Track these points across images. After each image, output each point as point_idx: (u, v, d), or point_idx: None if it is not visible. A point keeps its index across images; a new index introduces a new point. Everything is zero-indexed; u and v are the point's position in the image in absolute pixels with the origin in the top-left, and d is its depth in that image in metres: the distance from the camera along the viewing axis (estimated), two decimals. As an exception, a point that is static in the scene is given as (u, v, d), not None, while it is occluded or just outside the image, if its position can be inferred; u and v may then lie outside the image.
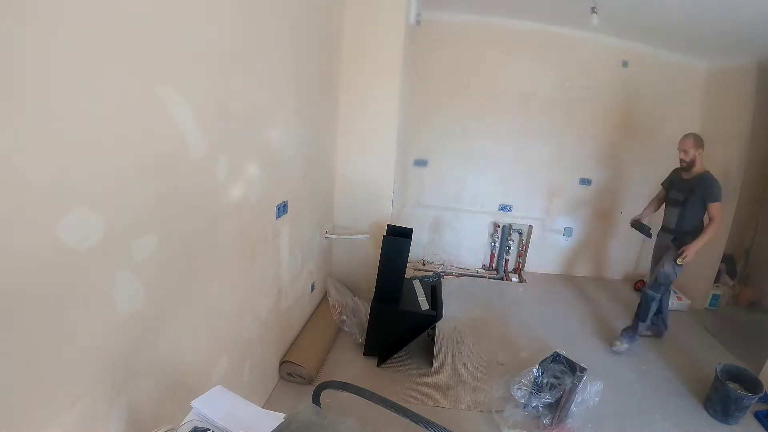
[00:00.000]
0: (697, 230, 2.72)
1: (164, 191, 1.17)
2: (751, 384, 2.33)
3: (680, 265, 2.72)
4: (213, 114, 1.37)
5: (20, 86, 0.74)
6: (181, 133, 1.22)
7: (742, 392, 2.26)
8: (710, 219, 2.68)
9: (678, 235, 2.80)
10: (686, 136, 2.79)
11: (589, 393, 2.13)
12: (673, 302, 3.62)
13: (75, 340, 0.92)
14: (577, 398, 2.12)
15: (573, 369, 2.23)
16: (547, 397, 2.14)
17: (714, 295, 3.64)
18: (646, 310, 2.88)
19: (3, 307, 0.75)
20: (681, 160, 2.81)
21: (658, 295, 2.86)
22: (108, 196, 0.96)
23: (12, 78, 0.72)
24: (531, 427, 2.14)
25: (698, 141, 2.75)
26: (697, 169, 2.77)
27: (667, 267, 2.78)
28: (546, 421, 2.14)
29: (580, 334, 3.14)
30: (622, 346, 2.91)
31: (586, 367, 2.23)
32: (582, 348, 2.87)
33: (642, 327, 2.91)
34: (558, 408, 2.13)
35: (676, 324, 3.41)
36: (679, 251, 2.69)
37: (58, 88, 0.81)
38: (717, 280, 3.68)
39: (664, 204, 3.03)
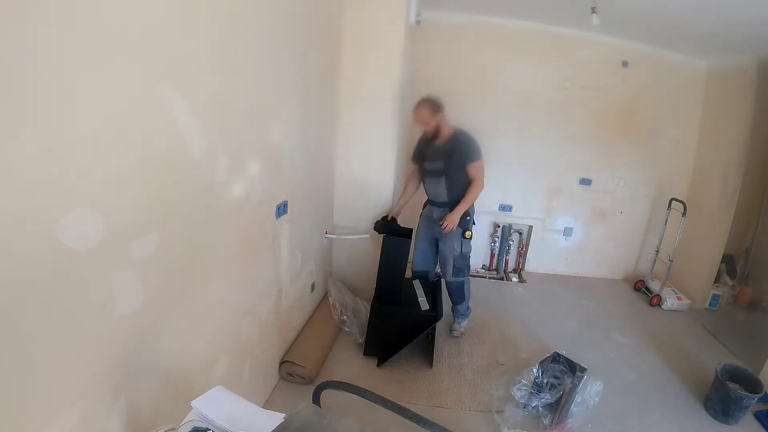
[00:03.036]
0: None
1: (164, 191, 1.17)
2: (751, 384, 2.33)
3: (469, 239, 2.61)
4: (213, 114, 1.37)
5: (20, 86, 0.74)
6: (181, 133, 1.22)
7: (742, 392, 2.26)
8: (471, 181, 2.54)
9: (453, 206, 2.58)
10: (417, 105, 2.51)
11: (589, 393, 2.13)
12: (673, 302, 3.62)
13: (75, 340, 0.92)
14: (577, 398, 2.12)
15: (573, 369, 2.23)
16: (547, 397, 2.14)
17: (714, 295, 3.64)
18: (461, 295, 2.82)
19: (3, 307, 0.75)
20: (424, 132, 2.61)
21: (464, 278, 2.76)
22: (108, 196, 0.96)
23: (12, 78, 0.72)
24: (531, 427, 2.14)
25: (434, 106, 2.50)
26: (446, 132, 2.57)
27: (457, 247, 2.63)
28: (546, 421, 2.14)
29: (580, 334, 3.14)
30: (461, 327, 2.90)
31: (586, 367, 2.23)
32: (582, 348, 2.87)
33: (464, 306, 2.87)
34: (558, 408, 2.13)
35: (676, 324, 3.42)
36: (440, 223, 2.55)
37: (58, 88, 0.81)
38: (717, 280, 3.68)
39: (422, 182, 2.81)
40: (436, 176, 2.63)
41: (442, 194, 2.65)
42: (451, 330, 2.92)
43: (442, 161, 2.57)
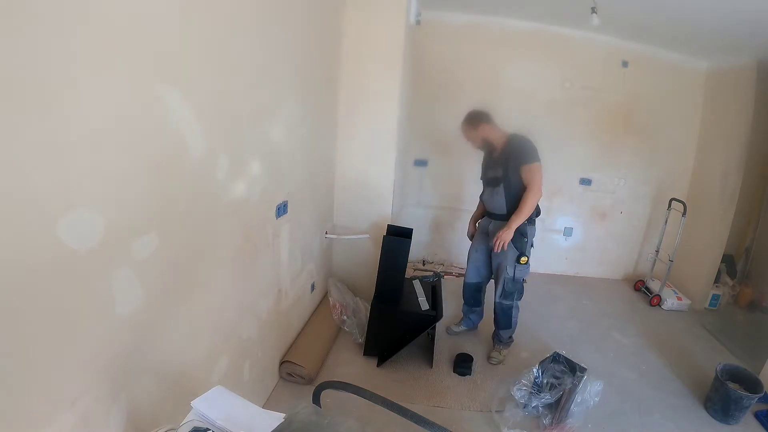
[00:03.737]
0: None
1: (164, 191, 1.17)
2: (751, 384, 2.33)
3: (524, 264, 2.41)
4: (213, 114, 1.37)
5: (20, 86, 0.74)
6: (181, 133, 1.22)
7: (742, 392, 2.25)
8: (526, 186, 2.31)
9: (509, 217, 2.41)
10: (462, 125, 2.43)
11: (589, 393, 2.13)
12: (673, 302, 3.62)
13: (75, 340, 0.92)
14: (577, 398, 2.12)
15: (573, 369, 2.23)
16: (547, 397, 2.14)
17: (714, 295, 3.64)
18: (506, 320, 2.61)
19: (3, 307, 0.75)
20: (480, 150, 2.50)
21: (512, 303, 2.56)
22: (108, 196, 0.96)
23: (12, 78, 0.72)
24: (531, 427, 2.14)
25: (473, 119, 2.39)
26: (500, 140, 2.42)
27: (510, 270, 2.44)
28: (546, 421, 2.14)
29: (580, 334, 3.14)
30: (500, 355, 2.67)
31: (586, 367, 2.23)
32: (582, 348, 2.87)
33: (508, 333, 2.67)
34: (558, 408, 2.13)
35: (676, 324, 3.42)
36: (494, 241, 2.36)
37: (58, 88, 0.81)
38: (717, 280, 3.68)
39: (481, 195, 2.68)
40: (493, 185, 2.47)
41: (500, 205, 2.45)
42: (489, 357, 2.69)
43: (499, 168, 2.40)
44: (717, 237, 3.55)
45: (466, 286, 2.81)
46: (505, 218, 2.41)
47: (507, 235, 2.32)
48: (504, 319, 2.62)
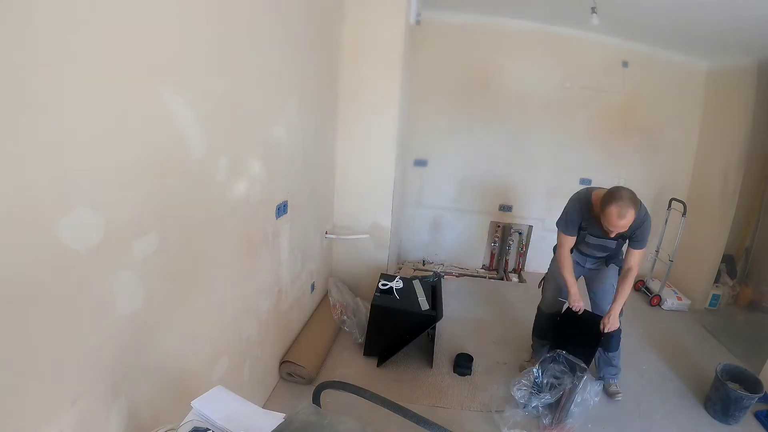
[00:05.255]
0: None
1: (164, 191, 1.17)
2: (751, 384, 2.33)
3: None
4: (213, 114, 1.37)
5: (20, 86, 0.74)
6: (181, 133, 1.22)
7: (742, 392, 2.25)
8: (629, 269, 2.18)
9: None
10: (620, 208, 1.88)
11: (589, 393, 2.13)
12: (673, 302, 3.62)
13: (75, 340, 0.92)
14: (578, 398, 2.12)
15: (573, 369, 2.22)
16: (547, 397, 2.14)
17: (714, 295, 3.64)
18: (619, 340, 2.37)
19: (3, 307, 0.75)
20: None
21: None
22: (108, 196, 0.96)
23: (12, 78, 0.72)
24: (531, 427, 2.14)
25: (636, 202, 1.94)
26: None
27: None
28: (546, 421, 2.14)
29: (580, 334, 3.13)
30: (617, 388, 2.45)
31: (586, 366, 2.22)
32: (582, 348, 2.87)
33: (618, 355, 2.43)
34: (558, 408, 2.13)
35: (676, 324, 3.42)
36: (602, 326, 2.19)
37: (58, 88, 0.81)
38: (717, 280, 3.68)
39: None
40: (599, 261, 2.34)
41: (611, 287, 2.31)
42: (610, 393, 2.41)
43: (614, 245, 2.24)
44: (717, 237, 3.55)
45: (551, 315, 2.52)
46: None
47: (616, 315, 2.18)
48: (618, 340, 2.37)
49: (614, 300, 2.20)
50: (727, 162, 3.51)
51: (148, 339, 1.18)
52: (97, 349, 0.99)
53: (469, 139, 3.87)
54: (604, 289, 2.36)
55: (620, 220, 1.89)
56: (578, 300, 2.28)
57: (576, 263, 2.37)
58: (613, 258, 2.32)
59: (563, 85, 3.75)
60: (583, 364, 2.13)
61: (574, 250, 2.34)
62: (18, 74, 0.73)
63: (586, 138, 3.88)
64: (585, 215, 2.19)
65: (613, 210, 1.90)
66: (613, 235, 2.03)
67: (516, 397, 2.20)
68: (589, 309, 2.41)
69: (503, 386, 2.35)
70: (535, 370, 2.23)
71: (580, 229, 2.25)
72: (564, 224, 2.27)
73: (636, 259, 2.16)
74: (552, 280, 2.48)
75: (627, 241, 2.19)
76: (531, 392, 2.18)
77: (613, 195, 1.92)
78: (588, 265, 2.40)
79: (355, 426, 0.82)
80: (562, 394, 2.11)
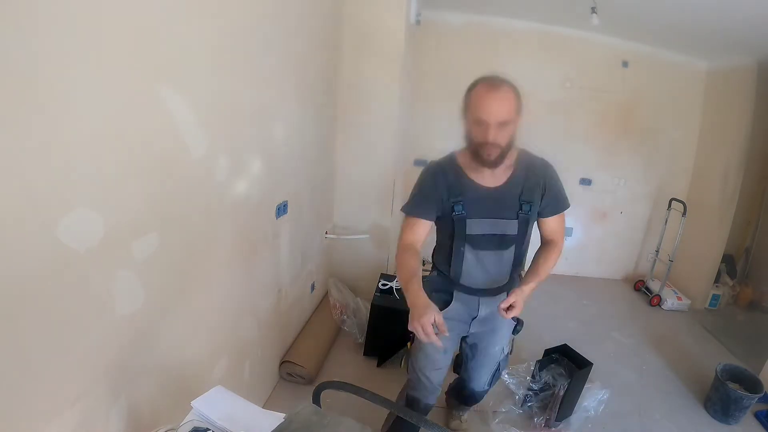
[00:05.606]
0: None
1: (164, 191, 1.17)
2: (751, 384, 2.33)
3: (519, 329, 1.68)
4: (213, 114, 1.37)
5: (20, 86, 0.74)
6: (180, 133, 1.22)
7: (742, 392, 2.25)
8: (549, 241, 1.58)
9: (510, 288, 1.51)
10: (492, 88, 1.34)
11: (593, 401, 2.14)
12: (673, 302, 3.62)
13: (75, 340, 0.92)
14: (583, 403, 2.12)
15: (576, 363, 2.21)
16: (543, 395, 2.15)
17: (714, 295, 3.64)
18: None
19: (3, 307, 0.75)
20: (470, 156, 1.42)
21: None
22: (108, 196, 0.96)
23: (12, 77, 0.72)
24: (527, 426, 2.14)
25: (518, 94, 1.43)
26: (511, 155, 1.57)
27: (507, 345, 1.78)
28: (539, 420, 2.15)
29: (580, 334, 3.13)
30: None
31: (591, 361, 2.21)
32: (582, 348, 2.84)
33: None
34: (554, 408, 2.13)
35: (676, 324, 3.42)
36: (504, 307, 1.38)
37: (58, 88, 0.81)
38: (717, 280, 3.68)
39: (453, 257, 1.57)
40: (496, 247, 1.45)
41: (503, 273, 1.50)
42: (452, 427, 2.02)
43: (514, 213, 1.43)
44: (717, 237, 3.55)
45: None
46: (505, 288, 1.51)
47: (523, 298, 1.37)
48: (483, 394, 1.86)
49: (528, 275, 1.45)
50: (727, 162, 3.51)
51: (148, 339, 1.18)
52: (97, 349, 0.99)
53: (469, 139, 3.87)
54: (488, 354, 1.63)
55: (493, 93, 1.29)
56: (426, 324, 1.30)
57: (454, 320, 1.54)
58: (517, 243, 1.45)
59: (563, 85, 3.75)
60: (587, 359, 2.10)
61: (447, 263, 1.52)
62: (18, 74, 0.73)
63: (586, 138, 3.88)
64: (451, 180, 1.41)
65: (481, 87, 1.31)
66: (490, 137, 1.31)
67: (515, 397, 2.21)
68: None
69: (501, 386, 2.35)
70: (532, 369, 2.24)
71: (450, 210, 1.41)
72: (412, 202, 1.50)
73: (557, 225, 1.48)
74: (420, 350, 1.66)
75: (534, 216, 1.46)
76: (528, 391, 2.19)
77: (477, 78, 1.35)
78: (481, 312, 1.53)
79: (355, 426, 0.82)
80: (558, 394, 2.11)
